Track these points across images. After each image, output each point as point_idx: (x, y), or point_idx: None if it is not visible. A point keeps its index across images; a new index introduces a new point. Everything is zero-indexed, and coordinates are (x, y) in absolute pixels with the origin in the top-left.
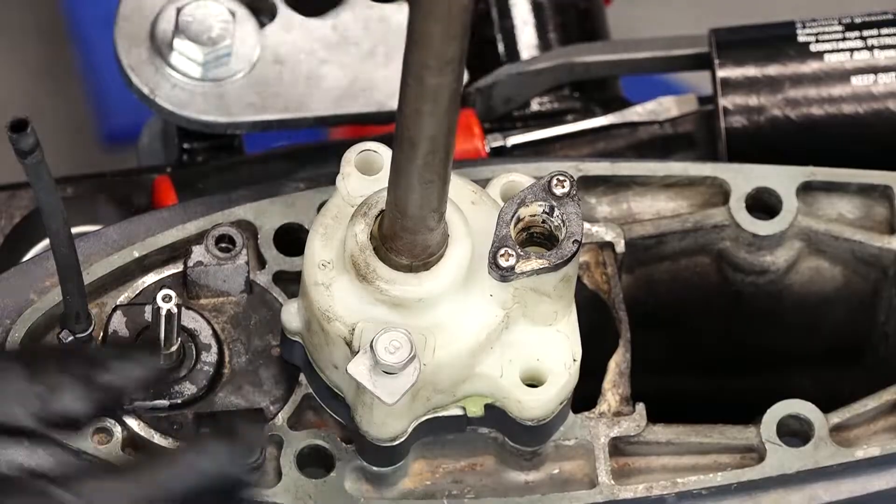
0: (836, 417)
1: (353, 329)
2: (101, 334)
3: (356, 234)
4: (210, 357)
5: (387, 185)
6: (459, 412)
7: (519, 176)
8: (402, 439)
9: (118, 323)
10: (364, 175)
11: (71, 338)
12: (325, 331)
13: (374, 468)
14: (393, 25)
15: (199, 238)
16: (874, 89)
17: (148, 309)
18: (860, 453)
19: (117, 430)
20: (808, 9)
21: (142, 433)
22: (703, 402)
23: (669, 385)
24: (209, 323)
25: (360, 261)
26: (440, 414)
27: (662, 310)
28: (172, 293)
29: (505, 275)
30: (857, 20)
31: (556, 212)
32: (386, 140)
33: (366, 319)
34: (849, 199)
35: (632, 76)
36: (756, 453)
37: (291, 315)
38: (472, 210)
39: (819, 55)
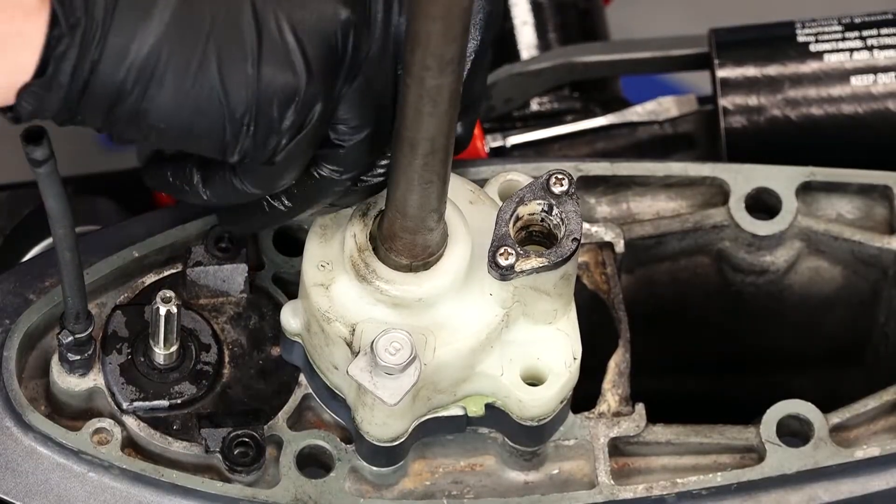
0: (836, 417)
1: (354, 330)
2: (101, 334)
3: (355, 234)
4: (210, 357)
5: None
6: (460, 412)
7: (517, 175)
8: (403, 439)
9: (118, 323)
10: None
11: (70, 338)
12: (325, 332)
13: (374, 468)
14: None
15: (198, 238)
16: (874, 89)
17: (148, 309)
18: (860, 453)
19: (117, 431)
20: (808, 9)
21: (142, 433)
22: (703, 402)
23: (669, 385)
24: (209, 323)
25: (360, 261)
26: (441, 414)
27: (662, 310)
28: (172, 293)
29: (504, 274)
30: (857, 20)
31: (555, 210)
32: None
33: (366, 320)
34: (849, 199)
35: (632, 76)
36: (756, 453)
37: (291, 316)
38: (470, 209)
39: (819, 55)
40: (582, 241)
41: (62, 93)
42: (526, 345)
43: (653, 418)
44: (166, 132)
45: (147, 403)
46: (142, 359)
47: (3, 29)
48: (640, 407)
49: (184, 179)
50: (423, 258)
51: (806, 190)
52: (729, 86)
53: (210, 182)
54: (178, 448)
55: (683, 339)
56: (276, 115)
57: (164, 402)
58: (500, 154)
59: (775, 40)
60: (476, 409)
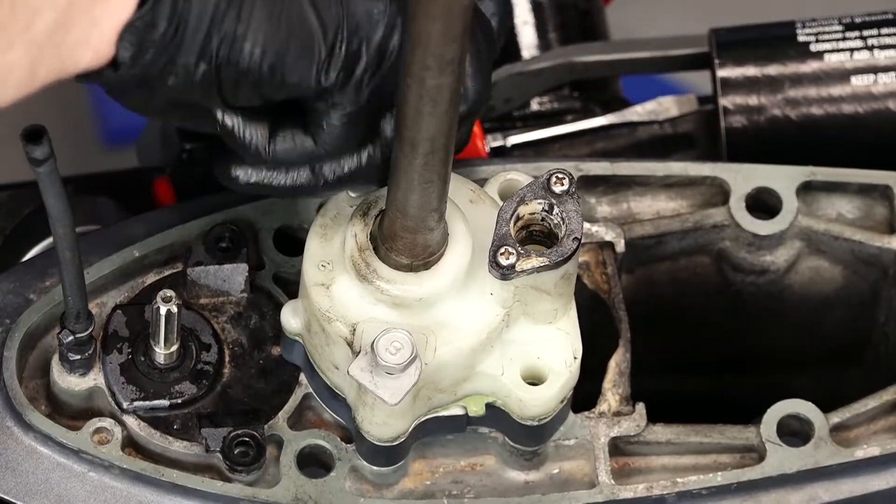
0: (837, 417)
1: (354, 329)
2: (102, 334)
3: (356, 233)
4: (210, 357)
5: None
6: (460, 412)
7: (517, 174)
8: (403, 439)
9: (118, 322)
10: None
11: (71, 338)
12: (326, 331)
13: (375, 468)
14: None
15: (199, 238)
16: (874, 89)
17: (148, 308)
18: (860, 453)
19: (117, 430)
20: (809, 9)
21: (142, 433)
22: (703, 402)
23: (669, 385)
24: (209, 323)
25: (360, 261)
26: (441, 413)
27: (662, 310)
28: (172, 293)
29: (505, 273)
30: (857, 20)
31: (556, 209)
32: None
33: (366, 319)
34: (849, 199)
35: (632, 76)
36: (756, 453)
37: (291, 316)
38: (470, 209)
39: (819, 55)
40: (582, 241)
41: (163, 26)
42: (526, 344)
43: (653, 418)
44: (262, 63)
45: (147, 403)
46: (142, 358)
47: None
48: (640, 406)
49: (252, 133)
50: (423, 258)
51: (806, 190)
52: (729, 85)
53: (276, 139)
54: (178, 448)
55: (683, 339)
56: (364, 35)
57: (165, 402)
58: (500, 154)
59: (775, 40)
60: (476, 409)
